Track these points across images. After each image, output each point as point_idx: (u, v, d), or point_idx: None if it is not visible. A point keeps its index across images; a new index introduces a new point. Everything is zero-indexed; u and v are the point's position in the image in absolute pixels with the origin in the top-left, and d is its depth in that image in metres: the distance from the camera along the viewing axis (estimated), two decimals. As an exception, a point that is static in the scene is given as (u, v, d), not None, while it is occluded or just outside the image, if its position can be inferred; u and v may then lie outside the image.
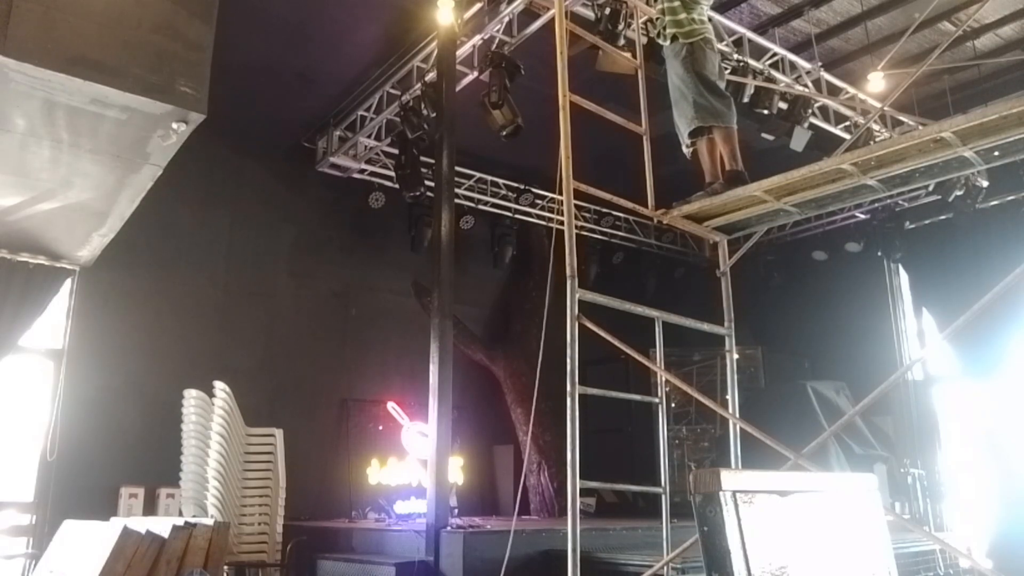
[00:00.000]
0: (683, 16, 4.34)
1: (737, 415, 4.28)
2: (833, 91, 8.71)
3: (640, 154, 4.45)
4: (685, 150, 4.50)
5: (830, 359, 10.75)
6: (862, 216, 11.08)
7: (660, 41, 4.52)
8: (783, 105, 8.28)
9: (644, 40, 5.19)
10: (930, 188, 9.51)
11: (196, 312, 8.93)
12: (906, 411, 10.46)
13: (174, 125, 5.15)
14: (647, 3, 5.51)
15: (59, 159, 5.67)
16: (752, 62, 8.04)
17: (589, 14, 6.86)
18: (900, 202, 10.61)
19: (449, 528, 6.10)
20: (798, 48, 8.54)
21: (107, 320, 8.23)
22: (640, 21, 5.42)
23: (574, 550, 3.40)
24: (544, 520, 9.25)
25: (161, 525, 5.76)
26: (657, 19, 4.57)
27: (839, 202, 4.15)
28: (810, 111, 8.49)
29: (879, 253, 10.82)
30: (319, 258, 10.08)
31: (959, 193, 9.56)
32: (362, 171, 9.99)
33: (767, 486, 2.30)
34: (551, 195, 10.59)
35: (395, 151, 9.33)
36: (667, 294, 11.87)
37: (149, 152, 5.60)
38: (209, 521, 6.02)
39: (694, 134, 4.28)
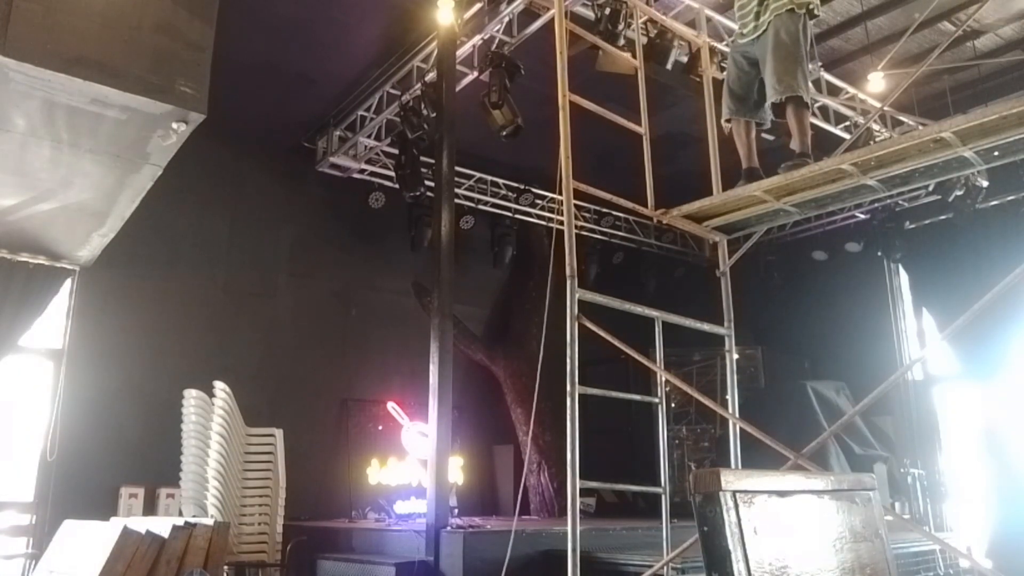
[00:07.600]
0: None
1: (737, 415, 4.28)
2: (833, 91, 8.70)
3: (640, 154, 4.45)
4: (725, 125, 4.39)
5: (830, 359, 10.74)
6: (862, 216, 11.07)
7: (771, 14, 4.17)
8: (783, 105, 8.28)
9: (644, 40, 5.18)
10: (930, 188, 9.51)
11: (196, 312, 8.92)
12: (906, 411, 10.45)
13: (174, 125, 5.16)
14: (647, 3, 5.50)
15: (59, 159, 5.67)
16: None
17: (589, 14, 6.85)
18: (900, 202, 10.60)
19: (449, 528, 6.10)
20: (798, 48, 8.53)
21: (107, 320, 8.23)
22: (640, 21, 5.41)
23: (574, 550, 3.41)
24: (544, 520, 9.23)
25: (161, 525, 5.76)
26: None
27: (839, 202, 4.15)
28: (810, 111, 8.48)
29: (879, 253, 10.81)
30: (319, 258, 10.08)
31: (959, 193, 9.56)
32: (362, 171, 9.98)
33: (767, 486, 2.29)
34: (551, 195, 10.58)
35: (395, 151, 9.32)
36: (667, 294, 11.86)
37: (149, 152, 5.60)
38: (209, 521, 6.02)
39: (792, 100, 4.11)
